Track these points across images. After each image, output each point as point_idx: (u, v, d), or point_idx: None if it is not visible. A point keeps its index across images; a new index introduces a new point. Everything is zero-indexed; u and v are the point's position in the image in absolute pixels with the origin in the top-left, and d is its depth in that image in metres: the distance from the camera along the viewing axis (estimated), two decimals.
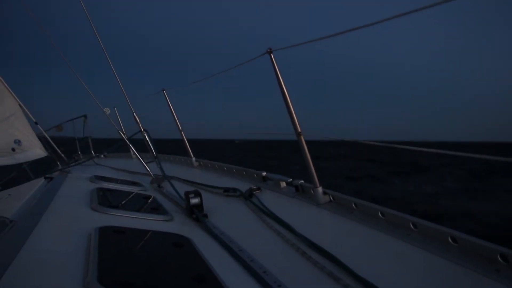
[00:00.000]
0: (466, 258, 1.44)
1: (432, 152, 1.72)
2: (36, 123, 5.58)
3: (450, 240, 1.54)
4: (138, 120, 4.27)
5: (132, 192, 2.87)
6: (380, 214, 1.91)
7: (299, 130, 2.36)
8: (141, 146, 4.38)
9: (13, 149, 5.06)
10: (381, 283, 1.35)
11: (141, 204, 2.57)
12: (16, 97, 5.34)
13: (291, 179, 2.67)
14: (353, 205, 2.09)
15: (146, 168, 3.75)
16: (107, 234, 1.63)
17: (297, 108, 2.33)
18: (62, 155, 5.80)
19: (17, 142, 5.15)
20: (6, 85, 5.21)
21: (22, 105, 5.40)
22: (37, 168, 5.62)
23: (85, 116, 7.18)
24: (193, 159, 4.31)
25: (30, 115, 5.52)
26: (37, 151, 5.43)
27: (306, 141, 2.35)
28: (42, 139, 5.60)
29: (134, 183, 3.40)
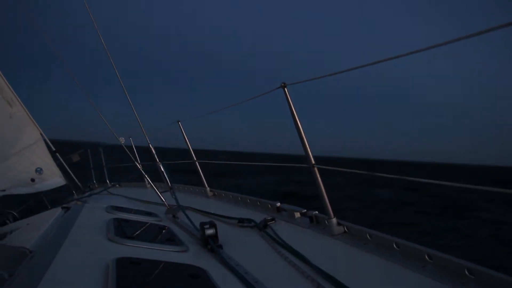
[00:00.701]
0: None
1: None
2: (56, 151, 5.71)
3: (466, 272, 1.53)
4: (153, 150, 4.34)
5: (147, 223, 2.90)
6: (395, 245, 1.90)
7: (313, 162, 2.38)
8: (155, 173, 4.42)
9: (33, 180, 5.18)
10: None
11: (156, 234, 2.59)
12: (38, 126, 5.50)
13: (305, 210, 2.68)
14: (368, 236, 2.09)
15: (161, 198, 3.79)
16: (124, 266, 1.66)
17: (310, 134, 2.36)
18: (79, 184, 5.90)
19: (39, 170, 5.27)
20: (29, 114, 5.38)
21: (43, 133, 5.55)
22: (53, 194, 5.71)
23: (101, 145, 7.31)
24: (208, 189, 4.34)
25: (50, 144, 5.66)
26: (57, 180, 5.54)
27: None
28: (60, 167, 5.72)
29: (149, 213, 3.43)
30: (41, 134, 5.53)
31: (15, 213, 4.47)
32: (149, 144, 4.37)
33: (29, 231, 2.67)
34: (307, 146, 2.39)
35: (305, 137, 2.37)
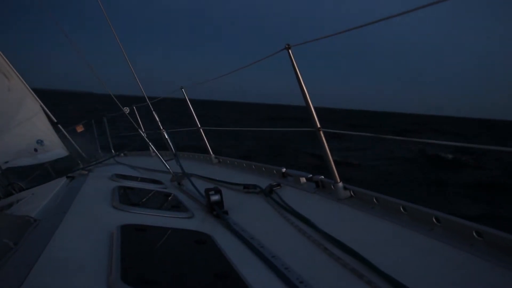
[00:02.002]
0: (492, 252, 1.41)
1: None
2: (57, 123, 5.69)
3: (474, 234, 1.50)
4: (157, 118, 4.30)
5: (152, 190, 2.90)
6: (402, 209, 1.88)
7: (318, 125, 2.34)
8: (161, 143, 4.41)
9: (36, 150, 5.18)
10: (404, 278, 1.33)
11: (162, 201, 2.59)
12: (37, 98, 5.45)
13: (311, 175, 2.65)
14: (375, 200, 2.07)
15: (166, 166, 3.78)
16: (129, 232, 1.65)
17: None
18: (83, 154, 5.90)
19: (40, 142, 5.26)
20: (27, 86, 5.32)
21: (43, 106, 5.51)
22: (59, 165, 5.74)
23: (105, 115, 7.29)
24: (212, 156, 4.32)
25: (51, 116, 5.63)
26: (59, 151, 5.54)
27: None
28: (63, 138, 5.72)
29: (154, 181, 3.43)
30: (41, 106, 5.49)
31: (21, 184, 4.48)
32: (152, 111, 4.33)
33: (34, 201, 2.67)
34: (312, 109, 2.33)
35: (310, 100, 2.32)
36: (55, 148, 5.49)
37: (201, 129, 4.35)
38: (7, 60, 5.11)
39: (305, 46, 2.26)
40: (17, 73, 5.21)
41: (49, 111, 5.67)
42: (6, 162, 4.83)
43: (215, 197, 2.39)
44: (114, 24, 4.05)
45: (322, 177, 2.50)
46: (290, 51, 2.32)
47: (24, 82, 5.31)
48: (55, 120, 5.69)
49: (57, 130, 5.69)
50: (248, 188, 2.84)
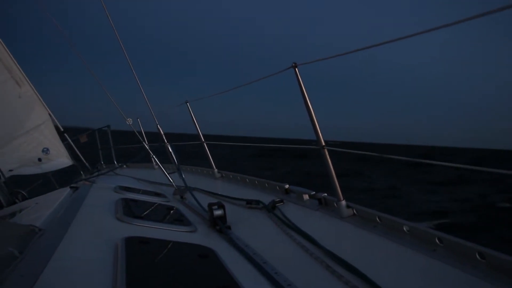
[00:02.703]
0: (494, 274, 1.41)
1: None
2: (63, 132, 5.73)
3: (477, 256, 1.51)
4: (161, 131, 4.33)
5: (155, 203, 2.91)
6: (405, 229, 1.88)
7: (323, 143, 2.36)
8: (163, 154, 4.42)
9: (40, 159, 5.21)
10: None
11: (164, 214, 2.60)
12: (46, 106, 5.51)
13: (314, 192, 2.66)
14: (377, 219, 2.07)
15: (169, 179, 3.79)
16: (133, 245, 1.66)
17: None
18: (87, 165, 5.92)
19: (45, 150, 5.29)
20: (37, 94, 5.38)
21: (51, 114, 5.56)
22: (61, 175, 5.75)
23: (108, 126, 7.33)
24: (215, 170, 4.34)
25: (58, 124, 5.67)
26: (63, 160, 5.57)
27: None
28: (67, 148, 5.75)
29: (157, 194, 3.44)
30: (49, 114, 5.54)
31: (24, 192, 4.50)
32: (157, 124, 4.36)
33: (38, 210, 2.69)
34: (318, 127, 2.36)
35: (316, 118, 2.34)
36: (60, 157, 5.52)
37: (204, 143, 4.38)
38: (19, 67, 5.18)
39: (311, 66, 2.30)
40: (28, 80, 5.27)
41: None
42: (11, 171, 4.86)
43: (218, 212, 2.40)
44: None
45: (325, 194, 2.51)
46: (296, 69, 2.35)
47: (35, 90, 5.37)
48: (62, 129, 5.74)
49: (63, 139, 5.73)
50: (251, 204, 2.84)
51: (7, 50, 5.05)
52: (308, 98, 2.35)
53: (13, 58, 5.09)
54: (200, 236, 2.21)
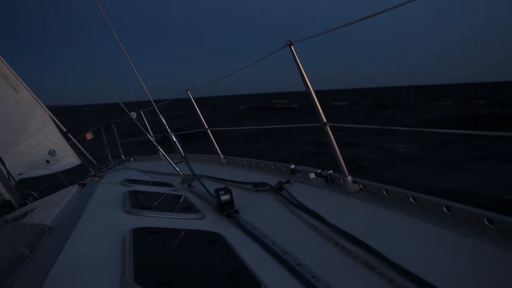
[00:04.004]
0: (504, 239, 1.40)
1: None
2: (66, 132, 5.76)
3: (486, 221, 1.50)
4: (164, 121, 4.32)
5: (163, 193, 2.92)
6: (412, 200, 1.87)
7: (324, 120, 2.34)
8: (169, 146, 4.43)
9: (48, 161, 5.25)
10: (416, 269, 1.33)
11: (173, 204, 2.61)
12: (46, 109, 5.52)
13: (320, 170, 2.65)
14: (384, 192, 2.06)
15: (176, 169, 3.81)
16: (141, 235, 1.66)
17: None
18: (94, 161, 5.96)
19: (52, 152, 5.33)
20: (36, 97, 5.39)
21: (52, 116, 5.58)
22: (71, 174, 5.81)
23: (113, 122, 7.35)
24: (221, 156, 4.34)
25: (61, 126, 5.70)
26: (71, 160, 5.62)
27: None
28: (73, 147, 5.79)
29: (164, 184, 3.45)
30: (50, 116, 5.56)
31: (34, 194, 4.55)
32: (159, 115, 4.35)
33: (48, 209, 2.71)
34: (318, 104, 2.33)
35: (315, 95, 2.32)
36: (67, 157, 5.56)
37: (208, 130, 4.37)
38: (15, 73, 5.18)
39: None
40: (25, 85, 5.27)
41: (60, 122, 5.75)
42: (20, 174, 4.91)
43: (225, 197, 2.41)
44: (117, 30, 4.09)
45: (331, 171, 2.50)
46: (292, 47, 2.32)
47: (33, 94, 5.38)
48: (65, 130, 5.76)
49: (68, 139, 5.76)
50: (257, 187, 2.84)
51: (1, 57, 5.05)
52: (307, 76, 2.33)
53: (7, 65, 5.09)
54: (209, 222, 2.22)
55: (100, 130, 7.34)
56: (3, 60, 5.05)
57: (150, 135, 4.78)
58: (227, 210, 2.35)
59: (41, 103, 5.47)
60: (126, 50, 4.04)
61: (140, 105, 5.35)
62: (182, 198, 2.78)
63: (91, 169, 5.75)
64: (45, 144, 5.35)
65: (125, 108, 4.55)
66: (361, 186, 2.26)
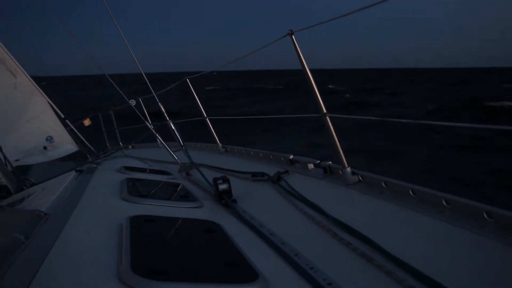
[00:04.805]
0: (502, 233, 1.39)
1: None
2: (64, 118, 5.73)
3: (485, 215, 1.49)
4: (163, 110, 4.30)
5: (161, 181, 2.91)
6: (411, 192, 1.86)
7: (325, 110, 2.32)
8: (168, 134, 4.42)
9: (45, 148, 5.22)
10: (415, 261, 1.32)
11: (171, 192, 2.60)
12: (44, 94, 5.48)
13: (318, 161, 2.64)
14: (383, 184, 2.05)
15: (174, 157, 3.79)
16: (138, 223, 1.66)
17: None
18: (92, 148, 5.94)
19: (49, 139, 5.31)
20: (34, 83, 5.35)
21: (50, 102, 5.54)
22: (68, 160, 5.79)
23: (112, 108, 7.31)
24: (220, 145, 4.32)
25: (59, 112, 5.67)
26: (68, 147, 5.60)
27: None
28: (71, 133, 5.76)
29: (162, 172, 3.44)
30: (48, 102, 5.52)
31: (31, 179, 4.53)
32: (158, 102, 4.33)
33: (44, 195, 2.70)
34: (318, 94, 2.31)
35: (315, 85, 2.30)
36: (65, 144, 5.54)
37: (207, 119, 4.35)
38: (13, 58, 5.13)
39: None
40: (23, 70, 5.23)
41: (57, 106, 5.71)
42: (17, 160, 4.88)
43: (223, 186, 2.40)
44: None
45: (330, 162, 2.49)
46: (293, 36, 2.29)
47: (31, 79, 5.34)
48: (63, 116, 5.73)
49: (65, 125, 5.73)
50: (256, 176, 2.83)
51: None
52: (307, 66, 2.30)
53: (5, 49, 5.04)
54: (206, 211, 2.21)
55: (98, 116, 7.31)
56: (2, 45, 5.00)
57: (148, 122, 4.76)
58: (225, 199, 2.34)
59: (39, 89, 5.43)
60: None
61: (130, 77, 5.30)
62: (180, 187, 2.77)
63: (88, 156, 5.72)
64: (43, 130, 5.32)
65: (124, 96, 4.52)
66: (360, 178, 2.24)
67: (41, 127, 5.32)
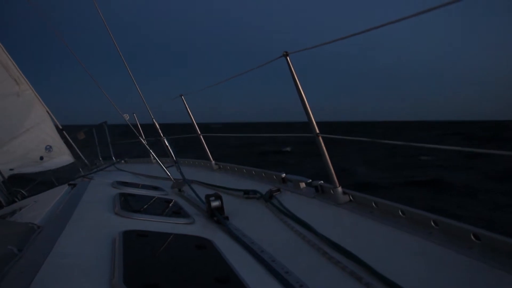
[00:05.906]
0: (489, 255, 1.43)
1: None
2: (62, 129, 5.74)
3: (472, 237, 1.52)
4: (157, 126, 4.33)
5: (153, 197, 2.92)
6: (400, 213, 1.90)
7: (317, 131, 2.36)
8: (161, 149, 4.44)
9: (41, 158, 5.22)
10: (403, 281, 1.35)
11: (163, 208, 2.61)
12: (44, 104, 5.51)
13: (310, 180, 2.67)
14: (373, 204, 2.09)
15: (167, 173, 3.80)
16: (131, 238, 1.67)
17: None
18: (86, 161, 5.94)
19: (48, 148, 5.31)
20: (35, 92, 5.38)
21: (49, 111, 5.57)
22: (60, 173, 5.76)
23: (105, 122, 7.32)
24: (213, 162, 4.35)
25: (57, 122, 5.68)
26: (65, 158, 5.60)
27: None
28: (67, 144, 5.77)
29: (155, 188, 3.45)
30: (47, 112, 5.55)
31: (23, 191, 4.51)
32: (152, 118, 4.36)
33: (37, 208, 2.70)
34: (311, 115, 2.36)
35: (309, 106, 2.35)
36: (62, 154, 5.54)
37: (201, 136, 4.38)
38: (17, 67, 5.17)
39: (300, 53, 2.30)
40: (26, 79, 5.26)
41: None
42: (11, 170, 4.87)
43: (215, 203, 2.42)
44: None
45: (322, 182, 2.53)
46: (288, 58, 2.35)
47: (32, 88, 5.37)
48: (61, 127, 5.75)
49: (62, 136, 5.74)
50: (248, 194, 2.86)
51: (4, 49, 5.04)
52: (301, 87, 2.35)
53: (10, 57, 5.08)
54: (198, 227, 2.23)
55: (92, 130, 7.31)
56: (6, 52, 5.04)
57: (142, 137, 4.78)
58: (217, 216, 2.35)
59: (39, 98, 5.45)
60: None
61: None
62: (172, 202, 2.78)
63: (80, 169, 5.71)
64: (42, 138, 5.34)
65: (118, 110, 4.55)
66: (351, 198, 2.28)
67: (40, 136, 5.34)
